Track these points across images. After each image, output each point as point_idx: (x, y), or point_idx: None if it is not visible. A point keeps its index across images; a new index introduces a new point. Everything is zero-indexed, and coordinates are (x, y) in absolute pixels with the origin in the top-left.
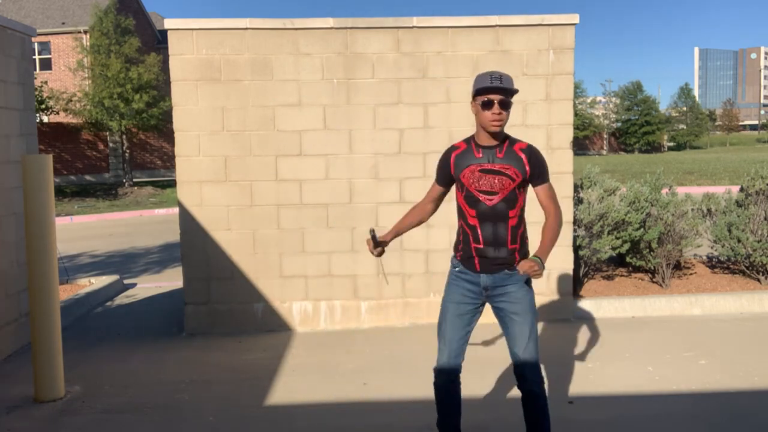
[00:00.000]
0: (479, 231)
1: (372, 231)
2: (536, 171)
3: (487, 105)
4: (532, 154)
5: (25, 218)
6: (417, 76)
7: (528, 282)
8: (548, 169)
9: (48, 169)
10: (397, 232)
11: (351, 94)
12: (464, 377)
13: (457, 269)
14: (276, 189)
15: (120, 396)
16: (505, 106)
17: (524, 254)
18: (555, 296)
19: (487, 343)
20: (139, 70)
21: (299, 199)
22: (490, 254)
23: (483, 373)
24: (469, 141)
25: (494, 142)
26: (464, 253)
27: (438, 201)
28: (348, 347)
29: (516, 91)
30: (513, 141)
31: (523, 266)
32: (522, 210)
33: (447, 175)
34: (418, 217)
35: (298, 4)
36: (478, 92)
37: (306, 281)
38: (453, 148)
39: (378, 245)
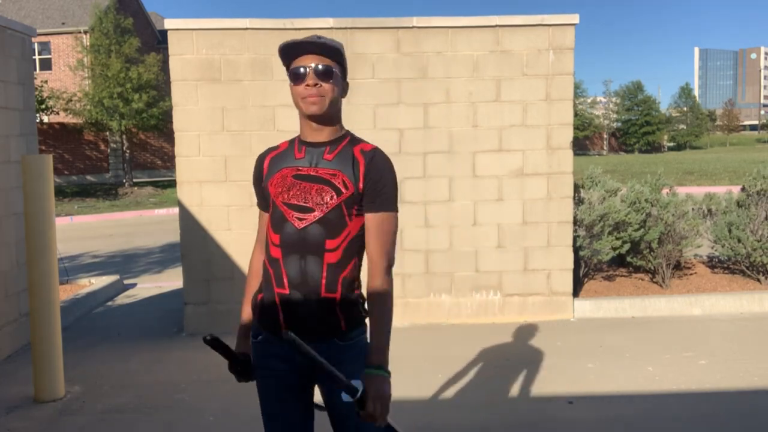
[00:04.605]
0: (282, 267)
1: (210, 339)
2: (371, 186)
3: (298, 76)
4: (374, 160)
5: (25, 218)
6: (417, 76)
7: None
8: (396, 194)
9: (48, 169)
10: (246, 318)
11: (351, 94)
12: (464, 377)
13: (259, 338)
14: None
15: (120, 396)
16: (325, 75)
17: (351, 313)
18: (555, 296)
19: (484, 343)
20: (139, 70)
21: None
22: (300, 305)
23: (483, 372)
24: (294, 138)
25: (324, 138)
26: (265, 305)
27: None
28: None
29: (340, 52)
30: (356, 140)
31: (365, 415)
32: (352, 244)
33: (261, 187)
34: (260, 278)
35: (298, 5)
36: (286, 60)
37: None
38: (272, 148)
39: (238, 361)
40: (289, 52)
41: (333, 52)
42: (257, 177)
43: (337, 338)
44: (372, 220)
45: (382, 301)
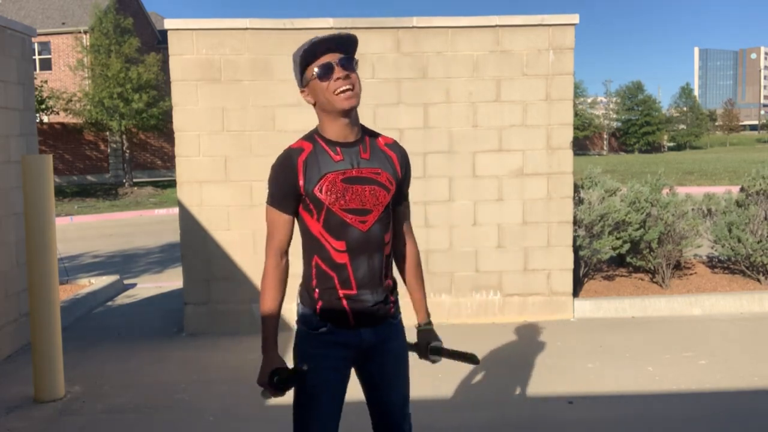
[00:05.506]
0: (350, 270)
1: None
2: (407, 179)
3: (325, 72)
4: (403, 153)
5: (25, 218)
6: (417, 76)
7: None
8: None
9: (48, 169)
10: (275, 330)
11: None
12: (467, 377)
13: (322, 330)
14: None
15: (120, 396)
16: (350, 64)
17: (395, 293)
18: (555, 296)
19: (485, 343)
20: (138, 70)
21: None
22: (368, 300)
23: (483, 372)
24: (313, 138)
25: (352, 136)
26: (326, 303)
27: (289, 242)
28: None
29: (355, 43)
30: (372, 133)
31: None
32: (393, 231)
33: (295, 192)
34: (281, 286)
35: (299, 5)
36: (306, 62)
37: None
38: (294, 151)
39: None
40: (311, 52)
41: (352, 44)
42: (291, 180)
43: (390, 318)
44: (405, 208)
45: (421, 267)
